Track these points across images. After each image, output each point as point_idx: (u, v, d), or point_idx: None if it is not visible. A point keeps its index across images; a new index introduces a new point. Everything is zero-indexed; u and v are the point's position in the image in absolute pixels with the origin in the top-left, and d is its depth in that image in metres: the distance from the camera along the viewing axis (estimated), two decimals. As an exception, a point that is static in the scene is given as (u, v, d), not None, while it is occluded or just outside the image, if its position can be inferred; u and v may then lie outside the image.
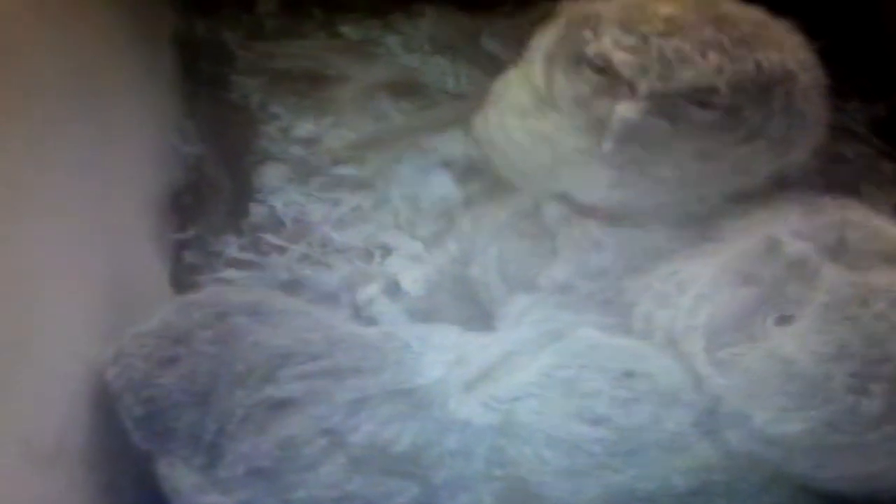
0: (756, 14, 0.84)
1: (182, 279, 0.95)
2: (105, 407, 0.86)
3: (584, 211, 0.88)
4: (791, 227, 0.79)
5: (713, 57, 0.80)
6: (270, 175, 0.99)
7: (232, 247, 0.96)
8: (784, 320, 0.74)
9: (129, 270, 0.92)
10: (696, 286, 0.80)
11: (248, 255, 0.96)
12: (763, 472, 0.76)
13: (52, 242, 0.84)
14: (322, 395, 0.77)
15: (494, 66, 0.96)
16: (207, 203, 0.98)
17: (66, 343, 0.85)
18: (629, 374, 0.76)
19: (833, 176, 0.90)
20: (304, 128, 1.01)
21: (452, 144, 0.99)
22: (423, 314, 0.93)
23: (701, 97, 0.81)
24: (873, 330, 0.72)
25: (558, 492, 0.75)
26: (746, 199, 0.86)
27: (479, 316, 0.90)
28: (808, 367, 0.72)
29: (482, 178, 0.96)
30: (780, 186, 0.86)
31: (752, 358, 0.74)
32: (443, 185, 0.98)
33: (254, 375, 0.77)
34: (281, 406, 0.77)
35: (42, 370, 0.83)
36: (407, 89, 1.01)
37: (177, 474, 0.79)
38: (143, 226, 0.95)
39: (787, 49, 0.84)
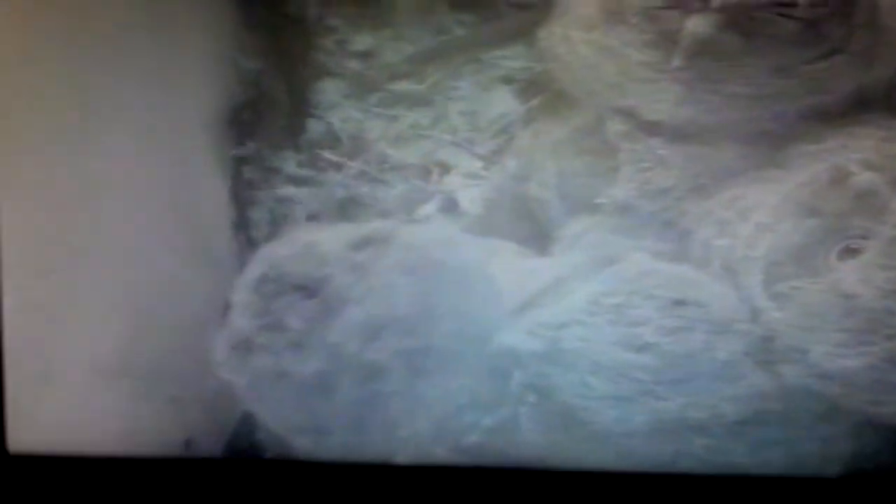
0: None
1: (241, 194, 0.95)
2: (169, 322, 0.89)
3: (650, 128, 0.86)
4: (862, 155, 0.77)
5: None
6: (327, 90, 0.98)
7: (290, 163, 0.96)
8: (848, 254, 0.73)
9: (190, 184, 0.94)
10: (758, 214, 0.78)
11: (305, 172, 0.96)
12: (820, 406, 0.75)
13: (115, 152, 0.87)
14: None
15: None
16: (266, 118, 0.97)
17: (130, 259, 0.88)
18: (679, 303, 0.76)
19: None
20: (362, 41, 0.98)
21: (514, 59, 0.96)
22: (481, 233, 0.92)
23: (778, 10, 0.79)
24: None
25: (603, 418, 0.76)
26: (824, 118, 0.83)
27: (537, 235, 0.89)
28: (871, 301, 0.71)
29: (544, 93, 0.94)
30: (861, 105, 0.83)
31: (812, 292, 0.73)
32: (503, 101, 0.96)
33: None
34: None
35: (108, 287, 0.86)
36: (468, 1, 0.98)
37: None
38: (204, 139, 0.95)
39: None
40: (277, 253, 0.84)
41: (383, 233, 0.83)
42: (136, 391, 0.86)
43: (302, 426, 0.82)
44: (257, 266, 0.84)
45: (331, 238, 0.83)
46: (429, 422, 0.79)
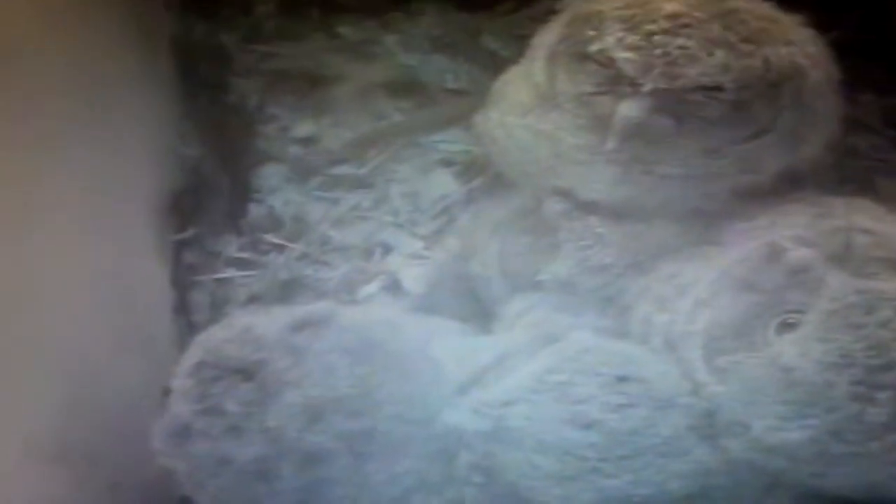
0: (765, 9, 0.82)
1: (182, 279, 0.95)
2: (107, 407, 0.87)
3: (587, 207, 0.85)
4: (796, 232, 0.77)
5: (719, 54, 0.78)
6: (269, 175, 0.99)
7: (231, 246, 0.96)
8: (785, 328, 0.72)
9: (131, 271, 0.93)
10: (696, 290, 0.77)
11: (247, 255, 0.96)
12: (764, 479, 0.73)
13: (56, 243, 0.84)
14: None
15: (495, 64, 0.95)
16: (207, 203, 0.97)
17: (69, 342, 0.85)
18: (622, 379, 0.74)
19: (846, 170, 0.89)
20: (303, 128, 1.00)
21: (452, 142, 0.98)
22: (424, 312, 0.90)
23: (707, 94, 0.78)
24: (878, 338, 0.69)
25: (549, 497, 0.73)
26: (755, 196, 0.83)
27: (480, 313, 0.88)
28: (810, 375, 0.69)
29: (482, 175, 0.95)
30: (790, 182, 0.84)
31: (751, 365, 0.72)
32: (443, 183, 0.97)
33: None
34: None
35: (46, 369, 0.83)
36: (406, 88, 1.00)
37: None
38: (144, 226, 0.94)
39: (796, 44, 0.81)
40: (215, 337, 0.81)
41: (321, 314, 0.80)
42: (73, 477, 0.82)
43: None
44: (196, 351, 0.81)
45: (268, 320, 0.80)
46: None
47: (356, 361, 0.77)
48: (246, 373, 0.77)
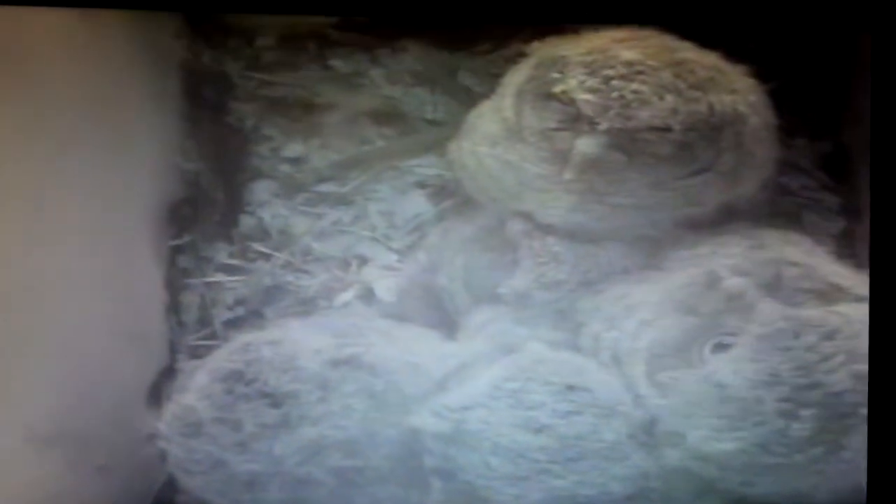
0: (712, 59, 0.80)
1: (175, 281, 0.93)
2: (100, 396, 0.83)
3: (545, 229, 0.83)
4: (732, 261, 0.76)
5: (669, 99, 0.76)
6: (260, 190, 0.96)
7: (222, 253, 0.94)
8: (720, 348, 0.71)
9: (129, 272, 0.90)
10: (642, 311, 0.75)
11: (236, 261, 0.94)
12: (697, 485, 0.71)
13: (61, 245, 0.82)
14: None
15: (469, 99, 0.92)
16: (202, 213, 0.95)
17: (68, 336, 0.82)
18: (571, 388, 0.72)
19: (779, 206, 0.87)
20: (293, 149, 0.97)
21: (427, 167, 0.96)
22: (395, 319, 0.87)
23: (656, 133, 0.77)
24: (804, 360, 0.68)
25: (504, 497, 0.71)
26: (696, 227, 0.82)
27: (445, 322, 0.86)
28: (742, 391, 0.68)
29: (453, 197, 0.92)
30: (728, 215, 0.82)
31: (689, 381, 0.70)
32: (417, 203, 0.95)
33: None
34: None
35: (46, 362, 0.80)
36: (388, 117, 0.97)
37: None
38: (143, 232, 0.91)
39: (739, 92, 0.80)
40: (260, 353, 0.77)
41: (361, 356, 0.76)
42: (67, 460, 0.79)
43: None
44: (236, 356, 0.77)
45: (313, 353, 0.76)
46: None
47: (373, 406, 0.75)
48: (275, 400, 0.75)
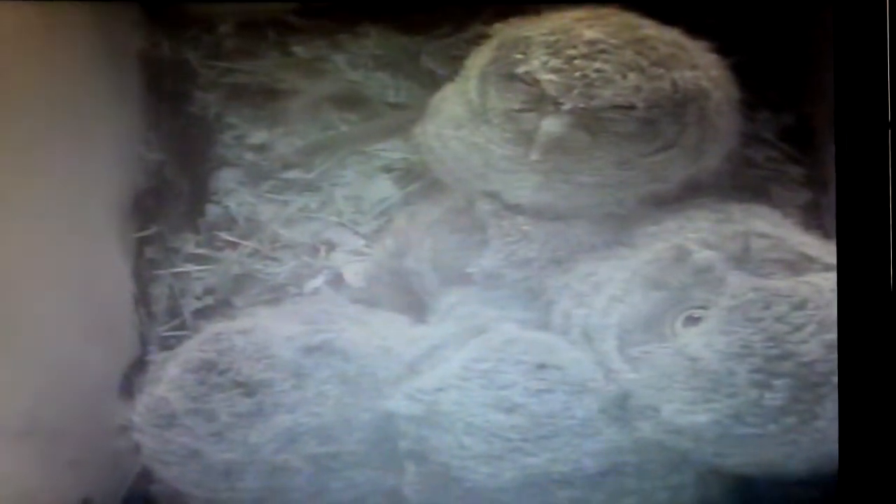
0: (674, 36, 0.78)
1: (143, 273, 0.90)
2: (72, 390, 0.81)
3: (512, 209, 0.81)
4: (700, 235, 0.74)
5: (632, 77, 0.74)
6: (225, 178, 0.93)
7: (189, 243, 0.91)
8: (691, 322, 0.69)
9: (96, 265, 0.87)
10: (610, 288, 0.73)
11: (203, 251, 0.91)
12: (671, 457, 0.69)
13: (28, 239, 0.79)
14: None
15: (432, 82, 0.90)
16: (168, 204, 0.92)
17: (38, 330, 0.79)
18: (541, 366, 0.70)
19: (745, 179, 0.85)
20: (257, 136, 0.94)
21: (393, 151, 0.93)
22: (364, 304, 0.86)
23: (620, 112, 0.75)
24: (775, 331, 0.66)
25: (478, 476, 0.69)
26: (662, 203, 0.80)
27: (415, 305, 0.83)
28: (714, 363, 0.66)
29: (420, 181, 0.90)
30: (694, 189, 0.80)
31: (661, 355, 0.68)
32: (383, 188, 0.92)
33: None
34: None
35: (16, 357, 0.77)
36: (352, 102, 0.95)
37: None
38: (110, 224, 0.89)
39: (701, 68, 0.78)
40: (232, 342, 0.74)
41: (333, 342, 0.74)
42: (39, 453, 0.77)
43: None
44: (208, 346, 0.74)
45: (285, 340, 0.74)
46: None
47: (347, 392, 0.73)
48: (248, 389, 0.73)
